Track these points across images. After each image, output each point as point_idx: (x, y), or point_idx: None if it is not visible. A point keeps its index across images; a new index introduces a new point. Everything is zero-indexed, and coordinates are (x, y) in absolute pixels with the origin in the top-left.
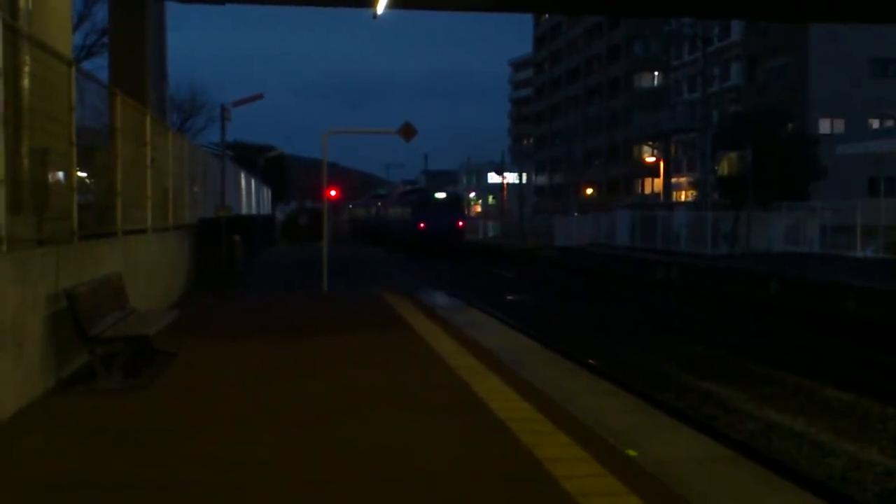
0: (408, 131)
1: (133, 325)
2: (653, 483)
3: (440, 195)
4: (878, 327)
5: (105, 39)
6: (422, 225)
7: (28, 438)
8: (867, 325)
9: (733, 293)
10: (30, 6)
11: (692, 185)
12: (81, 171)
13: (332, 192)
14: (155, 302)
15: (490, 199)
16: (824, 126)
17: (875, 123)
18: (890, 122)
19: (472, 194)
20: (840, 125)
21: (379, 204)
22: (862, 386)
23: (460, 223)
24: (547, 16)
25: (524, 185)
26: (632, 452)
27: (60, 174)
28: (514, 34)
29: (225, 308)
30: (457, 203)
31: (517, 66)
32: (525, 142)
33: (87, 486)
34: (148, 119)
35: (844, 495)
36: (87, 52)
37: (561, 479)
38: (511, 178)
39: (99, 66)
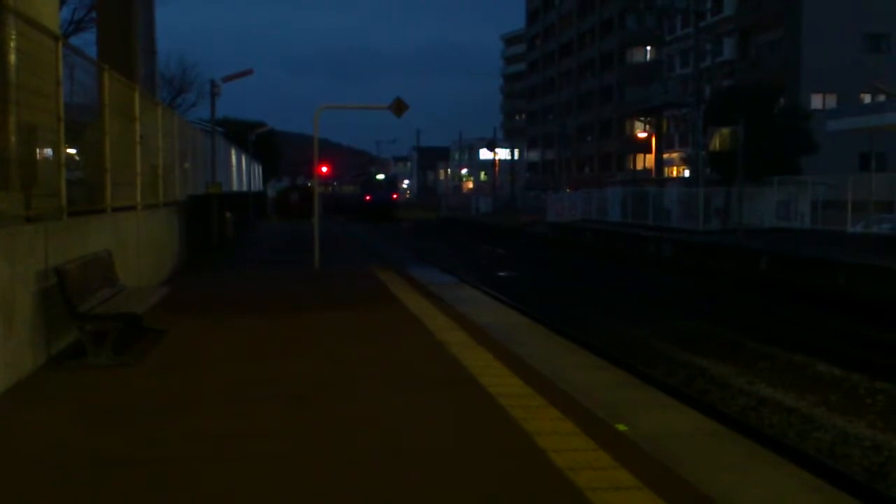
0: (399, 107)
1: (123, 302)
2: (642, 457)
3: (380, 176)
4: (868, 302)
5: (93, 14)
6: (367, 198)
7: (19, 414)
8: (857, 299)
9: (725, 269)
10: None
11: (684, 161)
12: (70, 147)
13: (324, 169)
14: (145, 279)
15: (482, 175)
16: (816, 101)
17: (867, 98)
18: (882, 97)
19: (464, 171)
20: (832, 100)
21: (335, 183)
22: (852, 360)
23: (395, 196)
24: None
25: (516, 161)
26: (622, 427)
27: (48, 151)
28: (507, 8)
29: (215, 285)
30: (393, 183)
31: (509, 40)
32: (517, 117)
33: (78, 460)
34: (137, 95)
35: (832, 468)
36: (75, 27)
37: (550, 452)
38: (503, 154)
39: (87, 41)
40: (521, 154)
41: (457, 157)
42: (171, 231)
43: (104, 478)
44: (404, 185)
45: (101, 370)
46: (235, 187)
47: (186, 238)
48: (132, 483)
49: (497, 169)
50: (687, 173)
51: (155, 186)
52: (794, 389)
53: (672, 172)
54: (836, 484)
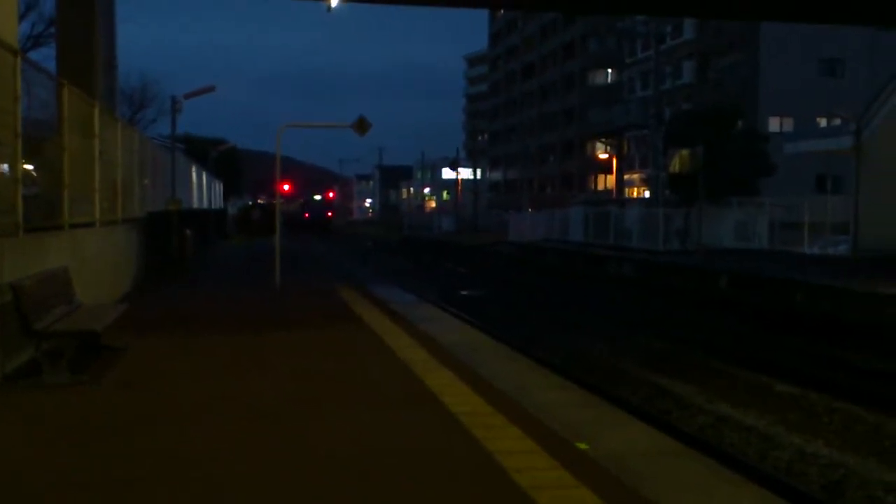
0: (362, 125)
1: (81, 320)
2: (603, 475)
3: (317, 197)
4: (825, 322)
5: (53, 29)
6: (306, 215)
7: None
8: (814, 319)
9: (685, 288)
10: None
11: (644, 182)
12: (27, 163)
13: (286, 187)
14: (103, 296)
15: (445, 194)
16: (774, 124)
17: (823, 122)
18: (837, 121)
19: (427, 190)
20: (789, 123)
21: (282, 202)
22: (809, 379)
23: (329, 214)
24: (502, 11)
25: (479, 180)
26: (583, 445)
27: (5, 166)
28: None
29: (175, 303)
30: (329, 203)
31: (472, 61)
32: (480, 137)
33: (31, 482)
34: (96, 110)
35: (789, 486)
36: (33, 41)
37: (512, 471)
38: (466, 173)
39: (46, 56)
40: (483, 174)
41: (419, 175)
42: (129, 248)
43: (58, 500)
44: (366, 204)
45: (57, 389)
46: (196, 204)
47: (146, 255)
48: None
49: (459, 188)
50: (647, 194)
51: (114, 203)
52: (754, 408)
53: (633, 193)
54: (795, 502)
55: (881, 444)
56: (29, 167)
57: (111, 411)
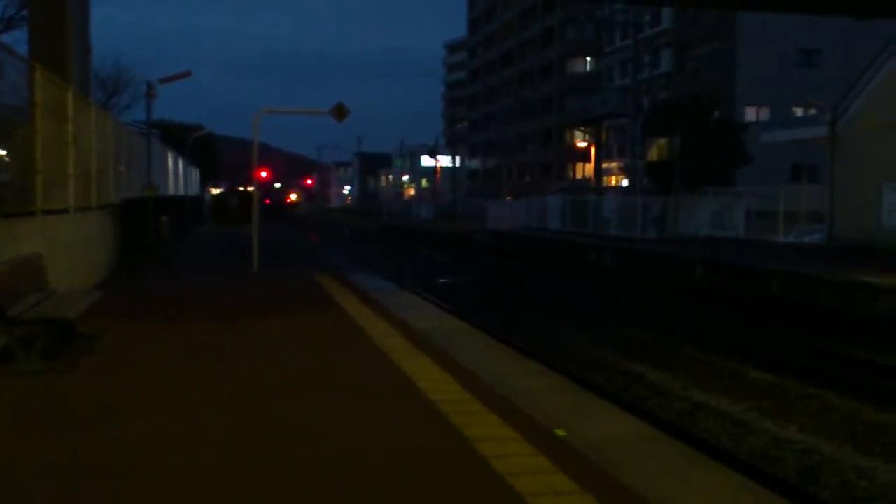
0: (340, 111)
1: (54, 307)
2: (581, 461)
3: (278, 185)
4: (799, 309)
5: (25, 12)
6: (267, 201)
7: None
8: (789, 307)
9: (661, 276)
10: None
11: (623, 171)
12: None
13: (263, 174)
14: (77, 283)
15: (424, 182)
16: (750, 114)
17: (799, 111)
18: (813, 111)
19: (406, 177)
20: (766, 113)
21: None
22: (784, 366)
23: (287, 199)
24: None
25: (457, 168)
26: (560, 432)
27: None
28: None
29: (151, 290)
30: (287, 190)
31: (452, 48)
32: (459, 125)
33: (4, 469)
34: (70, 95)
35: (763, 472)
36: (5, 24)
37: (490, 458)
38: (445, 161)
39: (18, 39)
40: (462, 161)
41: (399, 163)
42: (104, 234)
43: (25, 487)
44: (345, 192)
45: (30, 376)
46: (172, 191)
47: (121, 242)
48: (53, 492)
49: (438, 176)
50: (625, 182)
51: (88, 189)
52: (728, 395)
53: (611, 182)
54: (770, 486)
55: (854, 430)
56: (1, 152)
57: (83, 399)
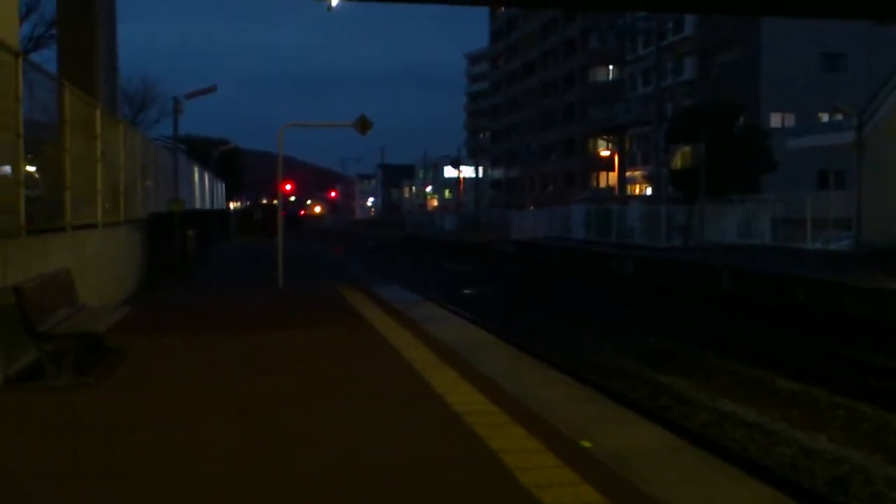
0: (363, 124)
1: (83, 322)
2: (606, 473)
3: (292, 198)
4: (828, 317)
5: (54, 31)
6: (283, 213)
7: None
8: (817, 315)
9: (687, 285)
10: None
11: (646, 179)
12: (29, 164)
13: (288, 187)
14: (106, 298)
15: (447, 193)
16: (776, 120)
17: (825, 117)
18: (839, 116)
19: (429, 188)
20: (791, 119)
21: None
22: (812, 375)
23: (301, 212)
24: (503, 9)
25: (480, 179)
26: (586, 443)
27: (7, 168)
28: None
29: (178, 304)
30: (301, 204)
31: (473, 59)
32: (481, 136)
33: (38, 478)
34: (98, 112)
35: (793, 482)
36: (35, 43)
37: (516, 470)
38: (468, 171)
39: (48, 58)
40: (485, 172)
41: (421, 174)
42: (132, 249)
43: (66, 492)
44: (369, 203)
45: (61, 391)
46: (198, 205)
47: (148, 256)
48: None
49: (461, 187)
50: (649, 191)
51: (116, 204)
52: (756, 404)
53: (635, 190)
54: (798, 498)
55: (885, 441)
56: (31, 169)
57: (113, 413)
